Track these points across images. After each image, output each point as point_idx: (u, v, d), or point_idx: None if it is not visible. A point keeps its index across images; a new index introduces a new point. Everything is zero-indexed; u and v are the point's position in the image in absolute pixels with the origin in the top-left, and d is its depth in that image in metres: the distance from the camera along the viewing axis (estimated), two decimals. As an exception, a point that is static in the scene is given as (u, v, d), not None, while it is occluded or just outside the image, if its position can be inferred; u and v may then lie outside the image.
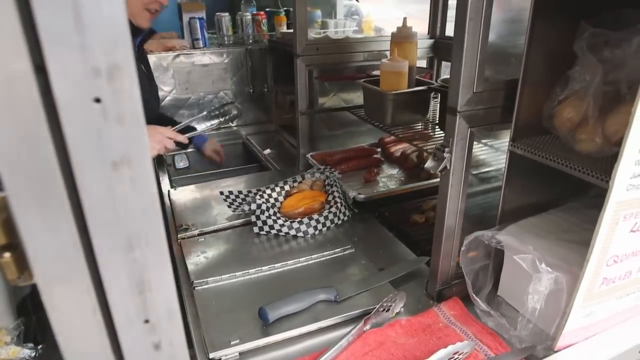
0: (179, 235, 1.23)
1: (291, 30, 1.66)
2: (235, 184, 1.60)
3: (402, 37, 1.37)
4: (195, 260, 1.12)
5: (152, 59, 1.98)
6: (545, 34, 0.79)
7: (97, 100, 0.29)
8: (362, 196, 1.33)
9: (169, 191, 1.53)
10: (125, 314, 0.35)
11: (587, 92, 0.75)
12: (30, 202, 0.29)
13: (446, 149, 0.83)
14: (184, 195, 1.51)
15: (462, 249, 0.83)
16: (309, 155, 1.62)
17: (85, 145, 0.29)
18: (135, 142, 0.30)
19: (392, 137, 1.67)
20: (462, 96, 0.80)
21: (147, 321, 0.36)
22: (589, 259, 0.69)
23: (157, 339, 0.37)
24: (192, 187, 1.61)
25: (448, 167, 0.84)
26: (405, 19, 1.37)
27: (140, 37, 1.51)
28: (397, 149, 1.64)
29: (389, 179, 1.50)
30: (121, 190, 0.31)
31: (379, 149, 1.70)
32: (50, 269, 0.32)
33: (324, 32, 2.03)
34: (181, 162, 1.99)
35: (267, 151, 1.99)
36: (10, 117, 0.27)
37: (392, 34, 1.40)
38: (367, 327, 0.88)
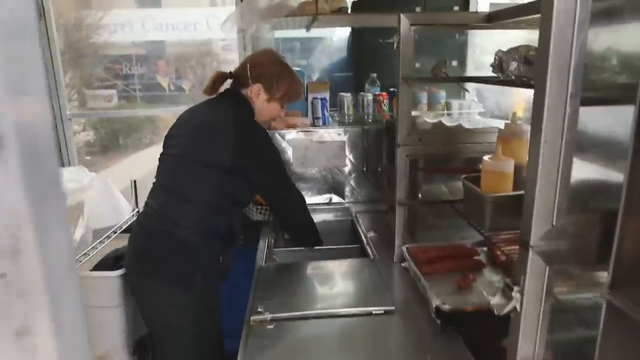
0: (251, 318, 1.25)
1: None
2: (325, 271, 1.56)
3: (510, 133, 1.25)
4: (257, 346, 1.12)
5: (274, 135, 2.16)
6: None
7: (2, 276, 0.31)
8: (446, 306, 1.19)
9: (260, 267, 1.58)
10: None
11: None
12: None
13: (516, 288, 0.70)
14: (274, 270, 1.56)
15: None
16: (404, 248, 1.53)
17: (-9, 314, 0.31)
18: (36, 313, 0.31)
19: (502, 237, 1.49)
20: (536, 228, 0.67)
21: None
22: None
23: None
24: (286, 262, 1.65)
25: (518, 310, 0.70)
26: (514, 114, 1.25)
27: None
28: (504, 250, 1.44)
29: (487, 287, 1.32)
30: (23, 358, 0.32)
31: (484, 248, 1.52)
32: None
33: (440, 117, 1.96)
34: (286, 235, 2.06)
35: (371, 234, 1.94)
36: None
37: (499, 129, 1.28)
38: None
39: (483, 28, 1.47)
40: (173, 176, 1.48)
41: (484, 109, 2.26)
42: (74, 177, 1.82)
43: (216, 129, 1.44)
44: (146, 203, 1.56)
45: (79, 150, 3.47)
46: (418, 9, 2.36)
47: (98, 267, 2.04)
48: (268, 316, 1.26)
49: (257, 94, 1.54)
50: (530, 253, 0.68)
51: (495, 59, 1.22)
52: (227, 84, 1.61)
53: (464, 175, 1.33)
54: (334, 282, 1.47)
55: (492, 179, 1.21)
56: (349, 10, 1.96)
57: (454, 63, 2.47)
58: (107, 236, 1.95)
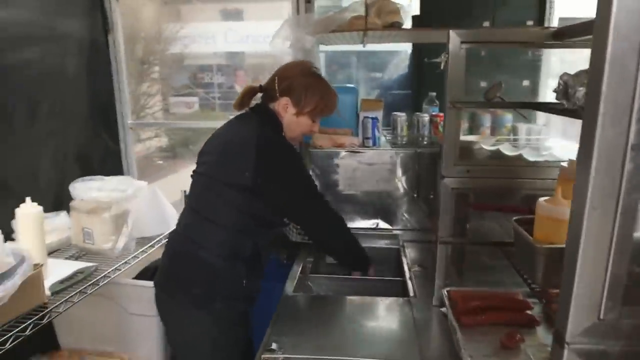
0: (262, 357, 1.15)
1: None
2: (355, 309, 1.42)
3: (573, 173, 1.04)
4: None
5: (320, 153, 2.07)
6: None
7: None
8: (482, 374, 1.01)
9: (285, 296, 1.49)
10: None
11: None
12: None
13: (545, 393, 0.53)
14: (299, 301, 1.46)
15: None
16: (444, 291, 1.35)
17: None
18: None
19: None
20: (574, 323, 0.50)
21: None
22: None
23: None
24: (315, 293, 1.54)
25: (547, 421, 0.54)
26: (581, 151, 1.05)
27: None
28: (566, 309, 1.22)
29: (537, 351, 1.11)
30: None
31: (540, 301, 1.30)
32: None
33: (503, 144, 1.75)
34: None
35: (415, 268, 1.77)
36: None
37: (560, 167, 1.08)
38: None
39: (549, 47, 1.27)
40: (199, 195, 1.44)
41: (555, 135, 2.01)
42: (118, 186, 1.86)
43: (239, 147, 1.37)
44: (178, 221, 1.54)
45: (152, 154, 3.66)
46: (486, 24, 2.16)
47: (140, 275, 2.08)
48: (280, 356, 1.15)
49: (284, 108, 1.44)
50: (566, 352, 0.51)
51: (559, 83, 1.03)
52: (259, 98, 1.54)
53: (515, 218, 1.14)
54: (361, 325, 1.33)
55: (548, 226, 1.02)
56: (406, 25, 1.82)
57: (525, 83, 2.22)
58: (151, 245, 1.97)
